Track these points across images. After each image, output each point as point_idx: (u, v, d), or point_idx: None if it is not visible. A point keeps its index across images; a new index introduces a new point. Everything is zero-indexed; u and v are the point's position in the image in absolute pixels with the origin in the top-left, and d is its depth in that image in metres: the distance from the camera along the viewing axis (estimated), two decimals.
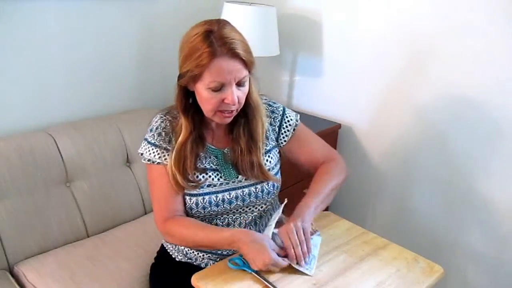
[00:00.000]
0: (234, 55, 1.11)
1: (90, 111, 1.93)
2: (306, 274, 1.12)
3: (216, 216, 1.27)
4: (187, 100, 1.22)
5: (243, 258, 1.13)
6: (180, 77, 1.18)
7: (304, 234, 1.14)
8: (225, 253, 1.29)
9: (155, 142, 1.24)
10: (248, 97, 1.21)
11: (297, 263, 1.13)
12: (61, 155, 1.68)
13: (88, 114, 1.92)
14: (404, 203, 2.07)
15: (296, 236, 1.13)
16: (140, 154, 1.27)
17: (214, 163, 1.26)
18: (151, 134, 1.25)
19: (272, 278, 1.10)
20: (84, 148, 1.74)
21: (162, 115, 1.27)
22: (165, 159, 1.23)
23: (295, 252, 1.12)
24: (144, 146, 1.26)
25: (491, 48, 1.68)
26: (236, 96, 1.14)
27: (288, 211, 1.45)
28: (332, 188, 1.30)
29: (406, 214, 2.06)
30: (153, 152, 1.24)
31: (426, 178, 1.97)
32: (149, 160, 1.25)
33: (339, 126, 2.15)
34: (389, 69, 1.96)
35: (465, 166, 1.85)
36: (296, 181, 2.00)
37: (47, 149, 1.65)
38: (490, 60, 1.69)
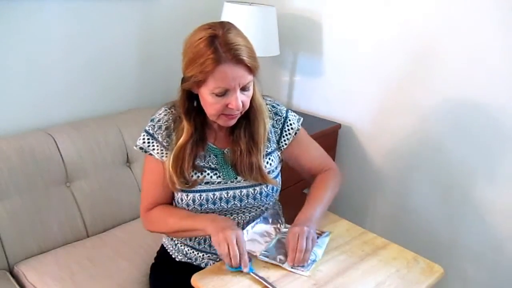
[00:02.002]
0: (239, 61, 1.11)
1: (90, 111, 1.93)
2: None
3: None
4: (191, 103, 1.22)
5: None
6: (183, 81, 1.18)
7: (311, 242, 1.15)
8: None
9: (153, 134, 1.25)
10: (251, 99, 1.21)
11: (292, 267, 1.13)
12: (61, 155, 1.68)
13: (88, 114, 1.92)
14: (404, 203, 2.07)
15: (304, 241, 1.13)
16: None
17: (214, 162, 1.26)
18: (151, 124, 1.26)
19: (271, 278, 1.10)
20: (84, 148, 1.74)
21: (166, 108, 1.28)
22: (157, 152, 1.24)
23: (296, 256, 1.12)
24: (141, 134, 1.27)
25: (494, 50, 1.68)
26: (240, 101, 1.14)
27: (286, 211, 1.45)
28: (331, 197, 1.32)
29: (406, 214, 2.06)
30: (148, 142, 1.25)
31: (426, 178, 1.97)
32: (141, 148, 1.26)
33: (339, 126, 2.14)
34: (389, 69, 1.96)
35: (465, 167, 1.84)
36: (296, 181, 2.00)
37: (47, 149, 1.66)
38: (492, 62, 1.69)
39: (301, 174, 1.41)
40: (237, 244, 1.10)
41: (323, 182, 1.34)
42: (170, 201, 1.31)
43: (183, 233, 1.26)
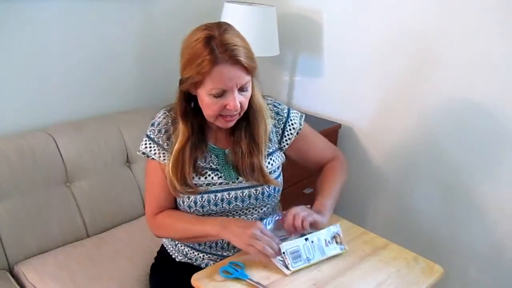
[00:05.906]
0: (236, 61, 1.10)
1: (90, 111, 1.93)
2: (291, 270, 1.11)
3: (215, 216, 1.26)
4: (188, 104, 1.22)
5: (234, 266, 1.12)
6: (181, 82, 1.18)
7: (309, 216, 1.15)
8: (225, 254, 1.30)
9: (154, 138, 1.25)
10: (250, 100, 1.21)
11: (279, 260, 1.11)
12: (61, 155, 1.68)
13: (88, 114, 1.92)
14: (404, 203, 2.07)
15: (302, 215, 1.14)
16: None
17: (215, 163, 1.26)
18: (151, 128, 1.26)
19: (270, 279, 1.09)
20: (84, 148, 1.74)
21: (165, 111, 1.28)
22: (159, 156, 1.24)
23: (294, 223, 1.13)
24: (143, 139, 1.27)
25: (494, 51, 1.68)
26: (238, 102, 1.14)
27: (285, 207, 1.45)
28: (341, 186, 1.33)
29: (406, 214, 2.06)
30: (150, 147, 1.25)
31: (426, 178, 1.97)
32: (143, 153, 1.27)
33: (339, 126, 2.15)
34: (390, 69, 1.96)
35: (465, 166, 1.84)
36: (297, 181, 2.00)
37: (47, 149, 1.65)
38: (492, 63, 1.69)
39: (308, 167, 1.42)
40: (263, 233, 1.11)
41: (331, 171, 1.36)
42: (175, 205, 1.30)
43: (194, 239, 1.26)
